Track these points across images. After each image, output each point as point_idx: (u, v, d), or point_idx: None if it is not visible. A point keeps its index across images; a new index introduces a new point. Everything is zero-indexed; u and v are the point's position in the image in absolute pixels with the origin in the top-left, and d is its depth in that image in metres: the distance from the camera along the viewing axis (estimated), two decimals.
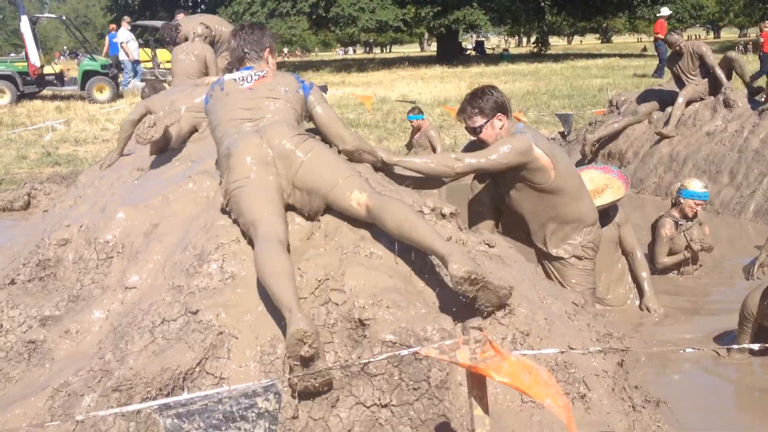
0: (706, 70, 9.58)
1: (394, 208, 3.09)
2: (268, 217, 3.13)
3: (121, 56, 14.00)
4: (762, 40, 19.59)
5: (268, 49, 3.69)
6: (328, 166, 3.29)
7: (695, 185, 5.86)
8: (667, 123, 9.67)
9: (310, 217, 3.40)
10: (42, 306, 3.52)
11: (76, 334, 3.27)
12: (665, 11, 20.62)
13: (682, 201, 5.88)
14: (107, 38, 24.94)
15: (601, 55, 36.44)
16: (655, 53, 22.71)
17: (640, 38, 60.69)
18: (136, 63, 14.75)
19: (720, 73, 9.43)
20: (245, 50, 3.66)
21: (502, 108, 4.13)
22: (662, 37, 10.25)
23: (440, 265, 3.14)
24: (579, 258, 4.34)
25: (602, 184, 5.11)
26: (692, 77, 9.65)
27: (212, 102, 3.59)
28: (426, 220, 3.07)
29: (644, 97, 10.49)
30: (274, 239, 3.04)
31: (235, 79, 3.59)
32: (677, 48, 9.64)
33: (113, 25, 27.24)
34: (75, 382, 2.97)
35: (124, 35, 14.83)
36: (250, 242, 3.20)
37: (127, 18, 15.76)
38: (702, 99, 9.69)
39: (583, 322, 3.53)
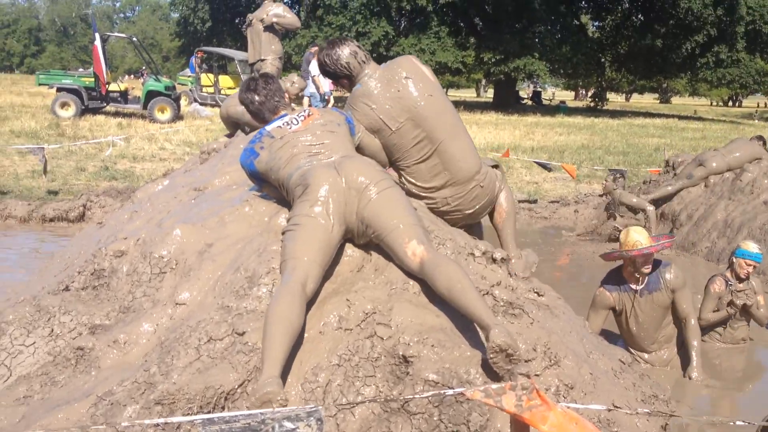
0: None
1: (448, 268, 3.05)
2: (306, 262, 3.13)
3: (311, 89, 14.04)
4: None
5: (287, 93, 3.84)
6: (395, 208, 3.29)
7: (749, 245, 5.85)
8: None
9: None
10: (93, 314, 3.58)
11: (123, 344, 3.32)
12: None
13: (734, 260, 5.86)
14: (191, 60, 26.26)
15: (659, 115, 36.19)
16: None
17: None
18: (323, 96, 14.82)
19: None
20: (276, 100, 3.77)
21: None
22: None
23: None
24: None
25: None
26: None
27: (266, 152, 3.62)
28: (476, 288, 3.03)
29: (701, 160, 10.37)
30: (299, 284, 3.04)
31: (281, 126, 3.65)
32: None
33: (201, 52, 28.30)
34: (119, 391, 3.01)
35: (315, 68, 14.68)
36: None
37: (314, 48, 15.54)
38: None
39: (629, 381, 3.47)
